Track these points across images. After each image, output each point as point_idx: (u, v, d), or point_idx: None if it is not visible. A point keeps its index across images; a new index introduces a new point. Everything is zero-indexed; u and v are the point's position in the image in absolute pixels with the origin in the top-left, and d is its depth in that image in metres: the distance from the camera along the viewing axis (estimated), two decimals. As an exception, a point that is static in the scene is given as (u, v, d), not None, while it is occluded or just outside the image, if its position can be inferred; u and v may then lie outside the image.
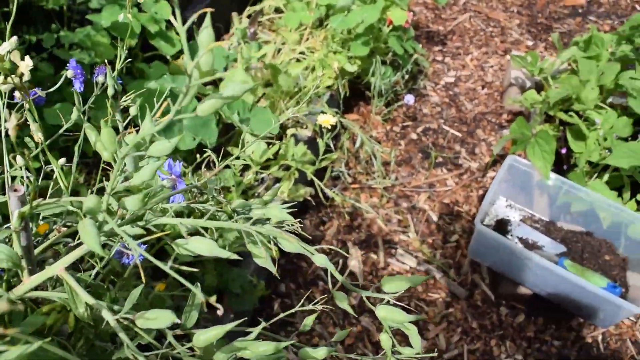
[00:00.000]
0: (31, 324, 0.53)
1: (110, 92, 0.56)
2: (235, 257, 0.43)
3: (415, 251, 1.65)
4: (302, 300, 1.53)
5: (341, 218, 1.68)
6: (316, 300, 0.58)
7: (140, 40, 1.69)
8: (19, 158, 0.63)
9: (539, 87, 2.04)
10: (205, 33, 0.37)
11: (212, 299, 0.34)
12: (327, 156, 1.43)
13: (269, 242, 0.54)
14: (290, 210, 0.55)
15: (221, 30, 2.00)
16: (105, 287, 0.57)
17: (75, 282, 0.47)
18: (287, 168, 1.45)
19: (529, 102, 1.82)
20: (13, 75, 0.47)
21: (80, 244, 0.57)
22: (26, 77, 0.47)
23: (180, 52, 1.69)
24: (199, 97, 1.44)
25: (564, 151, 1.75)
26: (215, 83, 1.69)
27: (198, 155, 0.99)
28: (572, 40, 1.93)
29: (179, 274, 0.66)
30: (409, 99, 1.85)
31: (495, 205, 1.71)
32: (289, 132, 1.47)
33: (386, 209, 1.73)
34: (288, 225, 0.53)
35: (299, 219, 0.60)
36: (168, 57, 1.70)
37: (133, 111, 0.57)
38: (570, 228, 1.66)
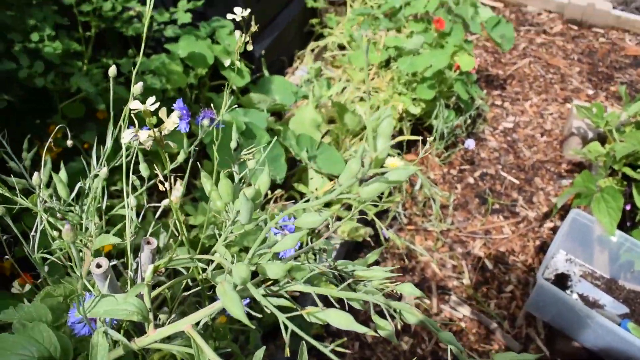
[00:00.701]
0: (144, 371, 0.53)
1: (233, 145, 0.57)
2: (372, 333, 0.43)
3: (469, 299, 1.61)
4: (353, 341, 1.50)
5: (395, 259, 1.66)
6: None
7: (210, 70, 1.73)
8: (132, 198, 0.65)
9: (601, 138, 1.99)
10: (386, 123, 0.38)
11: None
12: (390, 198, 1.42)
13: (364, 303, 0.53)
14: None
15: (285, 63, 2.04)
16: (213, 336, 0.57)
17: (202, 341, 0.47)
18: (349, 207, 1.45)
19: (593, 155, 1.78)
20: (156, 130, 0.49)
21: (194, 294, 0.58)
22: (167, 132, 0.49)
23: (248, 84, 1.72)
24: (271, 130, 1.46)
25: (628, 207, 1.70)
26: (280, 115, 1.72)
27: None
28: (640, 94, 1.89)
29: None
30: (470, 143, 1.83)
31: (555, 259, 1.67)
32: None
33: (441, 253, 1.71)
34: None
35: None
36: (234, 87, 1.74)
37: (251, 165, 0.58)
38: (633, 288, 1.60)
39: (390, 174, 0.40)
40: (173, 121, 0.48)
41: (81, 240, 0.65)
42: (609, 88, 2.34)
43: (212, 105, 1.56)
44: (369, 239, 1.51)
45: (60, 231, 0.69)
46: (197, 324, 0.60)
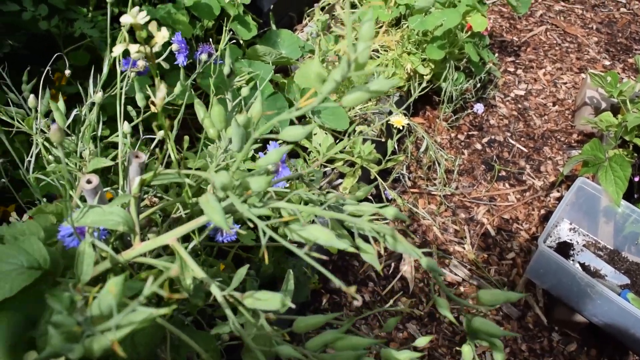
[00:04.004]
0: (131, 288, 0.54)
1: (226, 71, 0.56)
2: (352, 249, 0.42)
3: (470, 264, 1.61)
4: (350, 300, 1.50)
5: (397, 221, 1.66)
6: (394, 298, 0.57)
7: (216, 23, 1.71)
8: (126, 124, 0.64)
9: (614, 109, 1.95)
10: (367, 26, 0.36)
11: (352, 290, 0.34)
12: (394, 157, 1.41)
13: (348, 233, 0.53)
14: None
15: (294, 20, 2.00)
16: (201, 262, 0.57)
17: (186, 254, 0.48)
18: (352, 165, 1.44)
19: (605, 125, 1.74)
20: (146, 45, 0.48)
21: (181, 216, 0.58)
22: (157, 48, 0.48)
23: (254, 37, 1.70)
24: (276, 84, 1.44)
25: (636, 179, 1.67)
26: (287, 71, 1.70)
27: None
28: (657, 65, 1.84)
29: (236, 257, 0.64)
30: (479, 107, 1.80)
31: (559, 227, 1.65)
32: (357, 129, 1.46)
33: (443, 217, 1.70)
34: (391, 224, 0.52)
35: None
36: (241, 40, 1.71)
37: (245, 92, 0.58)
38: (636, 260, 1.59)
39: (372, 84, 0.39)
40: (163, 35, 0.47)
41: (76, 164, 0.65)
42: (627, 60, 2.28)
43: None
44: (371, 197, 1.50)
45: (55, 157, 0.69)
46: (187, 247, 0.60)
